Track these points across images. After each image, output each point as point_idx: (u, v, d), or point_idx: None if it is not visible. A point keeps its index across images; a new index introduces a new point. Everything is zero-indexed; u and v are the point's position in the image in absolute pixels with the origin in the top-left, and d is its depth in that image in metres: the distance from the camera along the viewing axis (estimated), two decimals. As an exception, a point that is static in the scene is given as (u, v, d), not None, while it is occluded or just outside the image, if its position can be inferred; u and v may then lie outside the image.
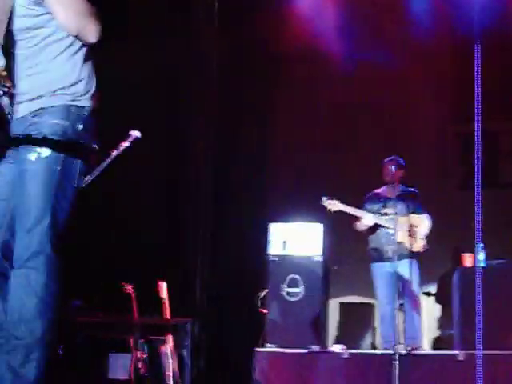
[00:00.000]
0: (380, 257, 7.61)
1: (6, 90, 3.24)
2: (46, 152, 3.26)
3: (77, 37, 3.35)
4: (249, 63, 8.69)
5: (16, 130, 3.33)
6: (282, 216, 7.86)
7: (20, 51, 3.34)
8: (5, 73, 3.23)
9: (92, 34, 3.34)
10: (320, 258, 7.43)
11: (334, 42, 8.50)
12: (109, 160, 5.40)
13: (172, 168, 8.50)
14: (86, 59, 3.43)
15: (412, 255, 7.48)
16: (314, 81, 9.08)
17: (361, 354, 7.33)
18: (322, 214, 7.47)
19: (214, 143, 8.64)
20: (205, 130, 8.62)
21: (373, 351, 8.06)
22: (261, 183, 8.94)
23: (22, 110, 3.33)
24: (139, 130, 5.30)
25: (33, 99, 3.32)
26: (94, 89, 3.44)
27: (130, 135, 5.40)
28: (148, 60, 7.81)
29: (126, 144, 5.38)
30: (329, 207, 7.37)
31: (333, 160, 9.11)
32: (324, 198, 7.39)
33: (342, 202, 7.42)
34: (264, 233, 7.60)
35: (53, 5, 3.25)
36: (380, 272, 7.62)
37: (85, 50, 3.42)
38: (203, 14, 8.64)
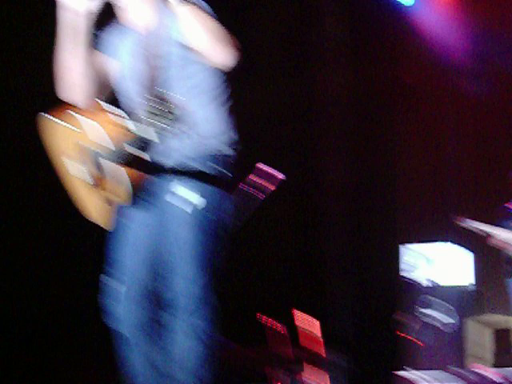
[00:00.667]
0: (515, 272, 7.43)
1: (179, 131, 3.11)
2: (192, 198, 3.25)
3: (206, 58, 3.29)
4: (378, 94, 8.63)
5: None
6: (414, 237, 7.76)
7: None
8: (180, 112, 3.09)
9: (221, 55, 3.26)
10: (457, 279, 7.31)
11: (464, 70, 8.39)
12: (248, 197, 5.46)
13: (304, 194, 8.47)
14: (225, 104, 3.42)
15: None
16: (442, 103, 8.95)
17: (500, 372, 7.15)
18: (455, 234, 7.36)
19: (345, 159, 8.60)
20: (335, 152, 8.61)
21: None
22: (392, 205, 8.81)
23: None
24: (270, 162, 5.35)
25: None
26: (231, 133, 3.41)
27: (258, 168, 5.45)
28: (277, 90, 7.78)
29: (255, 178, 5.44)
30: (460, 225, 7.26)
31: (463, 178, 8.95)
32: (455, 216, 7.29)
33: (474, 219, 7.30)
34: (397, 255, 7.52)
35: (183, 22, 3.22)
36: (515, 287, 7.44)
37: (226, 96, 3.42)
38: (331, 44, 8.65)
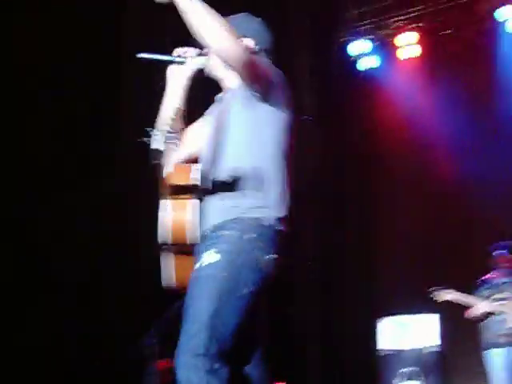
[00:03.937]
0: (492, 344, 7.39)
1: None
2: (210, 259, 3.21)
3: (219, 53, 3.31)
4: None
5: None
6: (389, 309, 7.72)
7: None
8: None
9: (233, 50, 3.24)
10: (435, 349, 7.26)
11: (438, 134, 8.51)
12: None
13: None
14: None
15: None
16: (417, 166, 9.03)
17: None
18: (430, 305, 7.32)
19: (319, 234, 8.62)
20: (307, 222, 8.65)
21: None
22: (366, 277, 8.80)
23: None
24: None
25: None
26: (273, 203, 3.38)
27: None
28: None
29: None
30: (436, 297, 7.24)
31: (439, 248, 8.96)
32: (432, 289, 7.27)
33: (452, 290, 7.28)
34: (372, 328, 7.46)
35: (198, 31, 3.19)
36: (493, 360, 7.39)
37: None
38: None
